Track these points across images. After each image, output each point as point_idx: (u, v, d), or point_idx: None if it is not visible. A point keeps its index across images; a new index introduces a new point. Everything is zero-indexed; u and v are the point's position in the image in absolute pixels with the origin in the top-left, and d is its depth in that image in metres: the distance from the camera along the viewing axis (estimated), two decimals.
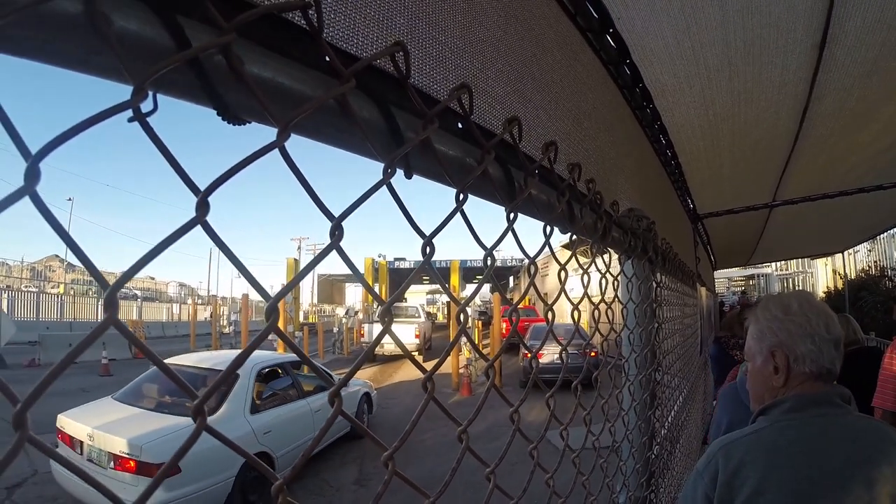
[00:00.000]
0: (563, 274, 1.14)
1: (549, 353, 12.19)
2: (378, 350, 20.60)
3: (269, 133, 0.49)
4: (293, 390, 7.91)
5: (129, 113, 0.40)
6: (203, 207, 0.45)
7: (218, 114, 0.51)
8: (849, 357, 1.50)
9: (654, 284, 1.87)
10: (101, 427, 5.56)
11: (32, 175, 0.36)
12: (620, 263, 1.79)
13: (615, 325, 1.51)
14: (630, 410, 1.74)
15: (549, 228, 0.93)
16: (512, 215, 0.80)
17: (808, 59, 2.15)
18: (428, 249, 0.68)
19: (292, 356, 8.51)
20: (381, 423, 11.17)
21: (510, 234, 0.84)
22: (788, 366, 1.46)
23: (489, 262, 0.81)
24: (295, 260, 31.41)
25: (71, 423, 5.95)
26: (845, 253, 13.72)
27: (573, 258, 1.16)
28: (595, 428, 1.39)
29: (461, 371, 14.82)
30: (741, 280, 30.74)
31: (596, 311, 1.35)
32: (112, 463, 5.22)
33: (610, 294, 1.39)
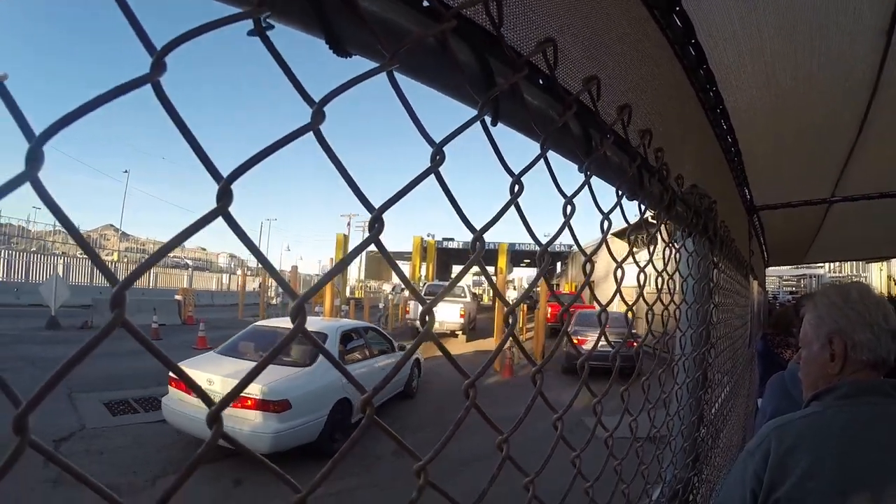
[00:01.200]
0: (618, 272, 1.14)
1: (593, 340, 12.13)
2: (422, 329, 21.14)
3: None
4: (366, 350, 9.87)
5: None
6: (226, 196, 0.44)
7: (328, 44, 0.53)
8: None
9: (712, 264, 1.86)
10: (217, 373, 7.19)
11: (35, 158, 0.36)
12: (681, 239, 1.78)
13: (674, 299, 1.50)
14: (683, 386, 1.74)
15: (619, 192, 0.94)
16: (587, 174, 0.81)
17: (875, 44, 2.08)
18: (477, 245, 0.68)
19: (366, 322, 12.00)
20: (425, 401, 11.36)
21: (567, 228, 0.85)
22: (846, 353, 1.45)
23: (545, 259, 0.82)
24: (345, 236, 31.71)
25: (189, 370, 7.14)
26: None
27: (633, 244, 1.16)
28: (638, 417, 1.40)
29: (504, 352, 14.87)
30: (792, 279, 29.90)
31: (658, 281, 1.35)
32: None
33: (671, 267, 1.40)
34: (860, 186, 4.43)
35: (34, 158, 0.35)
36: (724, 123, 2.65)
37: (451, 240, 39.21)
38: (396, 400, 10.70)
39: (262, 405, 6.77)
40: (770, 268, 11.23)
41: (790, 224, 6.03)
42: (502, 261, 27.68)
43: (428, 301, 0.63)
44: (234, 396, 0.49)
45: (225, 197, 0.43)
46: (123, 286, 0.39)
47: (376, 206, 0.54)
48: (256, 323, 10.12)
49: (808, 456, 1.34)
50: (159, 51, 0.40)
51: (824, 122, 2.96)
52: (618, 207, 0.96)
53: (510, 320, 0.76)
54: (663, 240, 1.38)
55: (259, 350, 8.38)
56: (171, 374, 7.10)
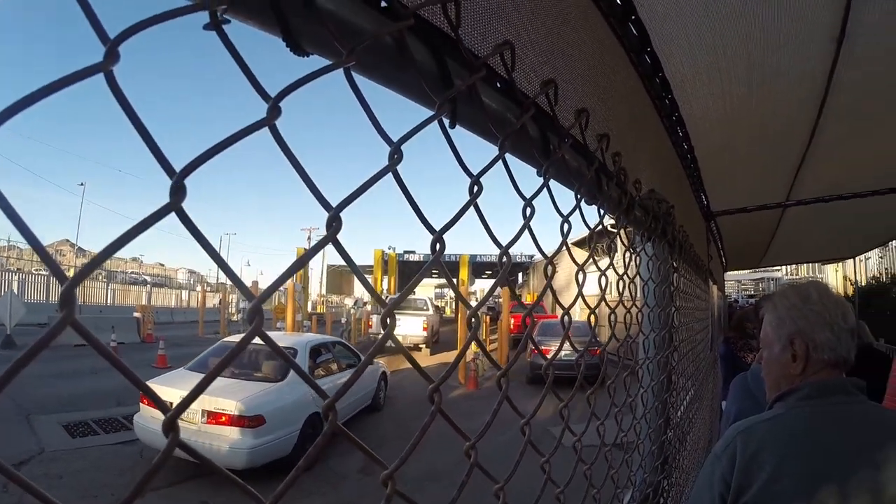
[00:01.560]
0: (580, 275, 1.14)
1: (555, 350, 12.20)
2: (387, 343, 21.10)
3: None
4: (334, 364, 10.01)
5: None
6: (179, 192, 0.42)
7: (285, 42, 0.53)
8: (857, 356, 1.52)
9: (672, 268, 1.88)
10: (188, 389, 6.40)
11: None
12: (640, 244, 1.79)
13: (636, 303, 1.51)
14: (648, 390, 1.76)
15: (578, 195, 0.94)
16: (545, 176, 0.81)
17: (826, 52, 2.14)
18: (438, 246, 0.67)
19: (333, 337, 12.31)
20: (392, 414, 11.33)
21: (526, 232, 0.85)
22: (807, 353, 1.47)
23: (504, 261, 0.81)
24: (305, 250, 31.36)
25: (159, 388, 6.98)
26: (856, 259, 13.64)
27: (593, 252, 1.16)
28: (606, 422, 1.40)
29: (468, 363, 14.86)
30: (750, 283, 30.56)
31: (619, 285, 1.36)
32: (205, 418, 6.86)
33: (632, 271, 1.41)
34: (813, 190, 4.56)
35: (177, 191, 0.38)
36: (680, 130, 2.70)
37: (413, 252, 39.06)
38: (364, 413, 10.76)
39: (238, 421, 6.84)
40: (729, 272, 11.45)
41: (747, 228, 6.17)
42: (464, 272, 27.68)
43: (389, 303, 0.62)
44: (188, 403, 0.48)
45: (178, 192, 0.42)
46: (72, 284, 0.38)
47: (334, 206, 0.53)
48: (225, 339, 10.39)
49: (774, 458, 1.35)
50: (113, 39, 0.39)
51: (778, 128, 3.04)
52: (577, 210, 0.96)
53: (473, 322, 0.75)
54: (623, 244, 1.39)
55: (231, 366, 8.26)
56: (141, 391, 7.48)
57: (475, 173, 0.68)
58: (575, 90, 1.16)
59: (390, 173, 0.58)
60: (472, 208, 0.69)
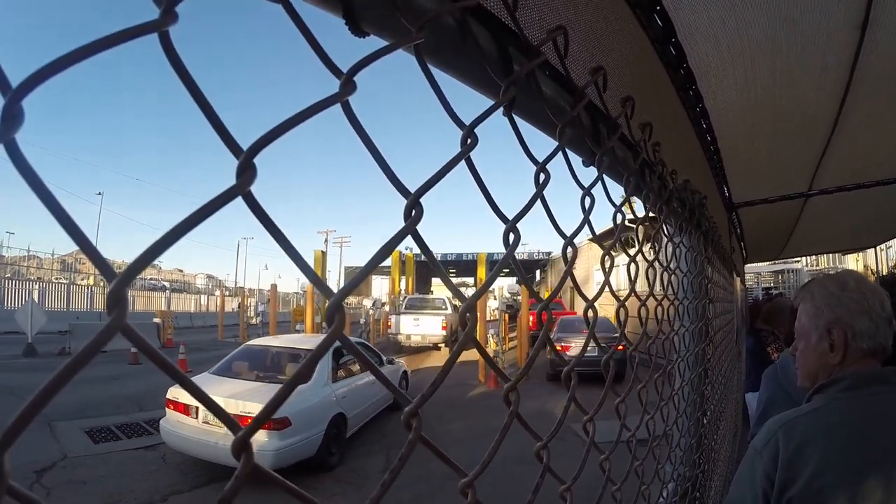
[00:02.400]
0: (606, 264, 1.10)
1: (577, 347, 12.09)
2: (405, 342, 21.75)
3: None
4: (356, 365, 9.71)
5: None
6: (247, 173, 0.38)
7: (345, 20, 0.51)
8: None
9: (707, 260, 1.86)
10: (217, 394, 7.10)
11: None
12: (678, 235, 1.77)
13: (668, 296, 1.49)
14: (688, 383, 1.73)
15: (627, 186, 0.93)
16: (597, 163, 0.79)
17: (849, 40, 2.11)
18: (511, 236, 0.63)
19: (355, 338, 12.47)
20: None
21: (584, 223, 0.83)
22: (846, 342, 1.44)
23: (511, 238, 0.69)
24: (322, 252, 31.48)
25: (184, 393, 6.83)
26: (877, 249, 13.48)
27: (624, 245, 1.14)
28: (629, 421, 1.37)
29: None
30: (769, 275, 30.24)
31: (650, 274, 1.33)
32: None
33: (668, 263, 1.38)
34: (836, 179, 4.51)
35: (10, 117, 0.30)
36: (704, 122, 2.67)
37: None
38: (385, 413, 10.85)
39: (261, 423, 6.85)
40: (748, 265, 11.36)
41: (768, 220, 6.11)
42: (482, 271, 27.68)
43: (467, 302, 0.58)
44: (264, 420, 0.44)
45: (246, 173, 0.38)
46: (124, 280, 0.33)
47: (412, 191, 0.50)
48: (249, 342, 10.36)
49: (818, 452, 1.32)
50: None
51: (801, 117, 3.00)
52: (626, 202, 0.95)
53: (467, 319, 0.63)
54: (666, 235, 1.38)
55: (254, 369, 8.68)
56: (168, 396, 7.53)
57: (540, 160, 0.66)
58: (613, 82, 1.15)
59: (463, 161, 0.55)
60: (539, 199, 0.67)
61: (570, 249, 0.72)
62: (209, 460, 6.95)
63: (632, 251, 1.27)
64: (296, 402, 7.39)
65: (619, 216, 0.89)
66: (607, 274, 1.06)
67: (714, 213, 3.72)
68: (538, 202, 0.66)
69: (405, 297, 26.33)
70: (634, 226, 1.12)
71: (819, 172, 4.23)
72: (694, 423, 1.83)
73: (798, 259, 25.93)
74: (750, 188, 4.53)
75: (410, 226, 0.50)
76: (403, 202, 0.50)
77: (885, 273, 15.60)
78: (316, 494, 6.04)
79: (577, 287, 0.91)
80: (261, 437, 6.82)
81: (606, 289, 0.98)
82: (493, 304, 23.04)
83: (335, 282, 50.63)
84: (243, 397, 7.22)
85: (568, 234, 0.74)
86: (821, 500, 1.29)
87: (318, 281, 0.48)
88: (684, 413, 1.72)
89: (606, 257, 1.01)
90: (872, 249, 13.43)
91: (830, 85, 2.56)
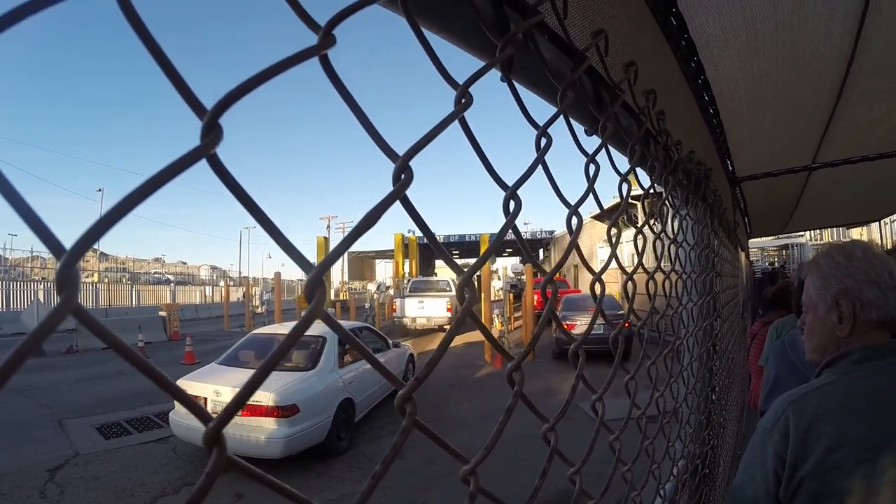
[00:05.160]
0: (613, 238, 1.06)
1: (582, 325, 12.10)
2: (410, 325, 21.88)
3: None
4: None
5: None
6: (212, 133, 0.34)
7: None
8: None
9: (713, 232, 1.83)
10: (224, 384, 7.43)
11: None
12: (684, 207, 1.74)
13: (675, 269, 1.46)
14: (697, 358, 1.71)
15: (634, 150, 0.90)
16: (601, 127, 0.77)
17: (855, 8, 2.07)
18: (512, 204, 0.60)
19: (360, 323, 13.11)
20: (420, 396, 11.40)
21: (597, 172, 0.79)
22: (855, 314, 1.41)
23: (511, 206, 0.65)
24: (325, 238, 31.49)
25: (193, 384, 7.70)
26: (881, 222, 13.41)
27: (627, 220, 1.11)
28: (638, 398, 1.34)
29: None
30: (774, 250, 30.15)
31: (658, 246, 1.30)
32: (240, 411, 6.42)
33: (678, 236, 1.36)
34: (840, 152, 4.46)
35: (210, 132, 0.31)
36: (706, 94, 2.63)
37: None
38: (393, 396, 10.83)
39: (273, 411, 7.02)
40: (752, 239, 11.32)
41: (772, 194, 6.07)
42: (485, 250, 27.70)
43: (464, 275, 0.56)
44: (235, 410, 0.41)
45: (211, 133, 0.34)
46: (71, 257, 0.29)
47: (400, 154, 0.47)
48: (254, 331, 10.45)
49: (830, 428, 1.29)
50: None
51: (804, 88, 2.96)
52: (632, 171, 0.92)
53: (465, 294, 0.61)
54: (671, 206, 1.35)
55: (260, 357, 8.59)
56: (169, 392, 7.78)
57: (541, 125, 0.62)
58: (614, 49, 1.12)
59: (457, 121, 0.52)
60: (540, 165, 0.63)
61: (574, 219, 0.68)
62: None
63: (638, 224, 1.24)
64: (304, 388, 7.49)
65: (624, 186, 0.85)
66: (614, 246, 1.03)
67: (718, 186, 3.69)
68: (539, 168, 0.63)
69: (409, 280, 26.39)
70: (639, 199, 1.10)
71: (823, 145, 4.19)
72: (703, 399, 1.81)
73: (802, 234, 25.90)
74: (753, 162, 4.49)
75: (399, 191, 0.46)
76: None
77: (889, 247, 15.52)
78: (327, 480, 6.06)
79: (582, 259, 0.87)
80: (270, 426, 6.99)
81: (610, 265, 0.96)
82: (497, 285, 23.04)
83: (339, 268, 50.77)
84: (236, 384, 7.19)
85: (572, 204, 0.71)
86: (835, 477, 1.26)
87: (293, 251, 0.42)
88: (693, 389, 1.70)
89: (613, 229, 0.99)
90: (877, 223, 13.35)
91: (834, 54, 2.51)
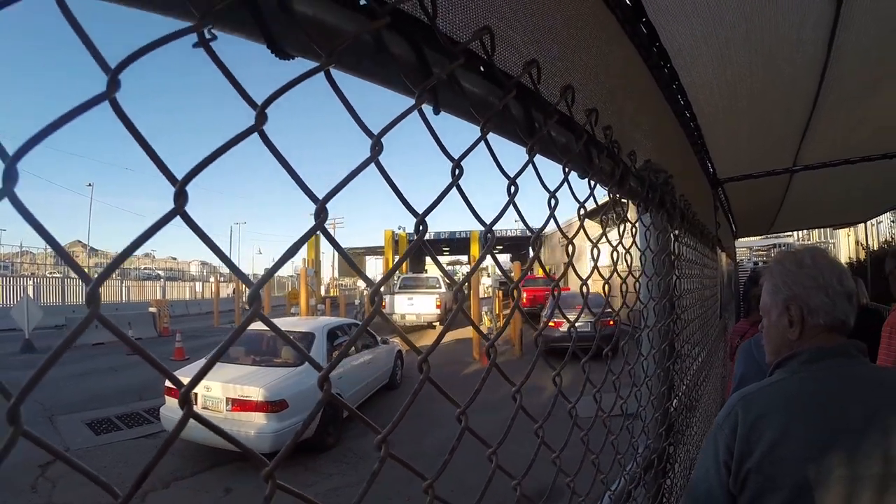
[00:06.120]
0: (594, 250, 1.16)
1: (566, 323, 12.23)
2: (400, 322, 21.73)
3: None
4: (352, 347, 9.83)
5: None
6: (181, 198, 0.46)
7: (269, 48, 0.56)
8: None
9: (673, 237, 1.90)
10: (215, 379, 7.34)
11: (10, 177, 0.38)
12: (638, 214, 1.81)
13: (633, 271, 1.54)
14: (649, 357, 1.79)
15: (566, 168, 0.97)
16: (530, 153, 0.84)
17: (825, 15, 2.13)
18: (421, 228, 0.71)
19: (349, 319, 12.44)
20: (406, 393, 11.43)
21: (511, 207, 0.87)
22: (803, 318, 1.49)
23: (489, 237, 0.84)
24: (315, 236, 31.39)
25: (184, 378, 7.15)
26: (868, 223, 13.52)
27: (604, 225, 1.19)
28: (608, 399, 1.43)
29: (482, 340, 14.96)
30: (762, 250, 30.22)
31: (614, 255, 1.38)
32: (230, 406, 7.20)
33: (628, 242, 1.43)
34: (820, 155, 4.52)
35: (10, 178, 0.38)
36: (682, 99, 2.69)
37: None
38: (382, 391, 11.17)
39: (262, 406, 7.13)
40: (740, 239, 11.40)
41: (755, 195, 6.13)
42: (475, 248, 27.69)
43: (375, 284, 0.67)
44: (200, 378, 0.54)
45: (181, 198, 0.46)
46: (97, 283, 0.43)
47: (320, 198, 0.57)
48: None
49: (776, 424, 1.36)
50: (113, 69, 0.42)
51: (781, 93, 3.01)
52: (566, 185, 0.98)
53: (458, 296, 0.80)
54: (619, 215, 1.41)
55: (250, 354, 8.73)
56: (167, 383, 7.53)
57: (456, 157, 0.71)
58: (565, 67, 1.18)
59: (373, 164, 0.61)
60: (455, 190, 0.72)
61: (538, 243, 0.76)
62: (210, 445, 6.99)
63: (610, 234, 1.32)
64: (292, 384, 7.55)
65: (552, 201, 0.92)
66: (570, 257, 1.12)
67: (696, 189, 3.76)
68: (454, 191, 0.71)
69: (399, 277, 26.44)
70: (597, 212, 1.18)
71: (802, 148, 4.25)
72: (658, 397, 1.88)
73: (790, 233, 26.01)
74: (734, 164, 4.54)
75: (319, 225, 0.57)
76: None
77: (875, 247, 15.63)
78: (314, 475, 6.10)
79: (573, 268, 0.98)
80: (259, 420, 7.11)
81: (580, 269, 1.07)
82: (486, 282, 23.00)
83: (330, 264, 50.67)
84: (241, 381, 7.34)
85: (535, 230, 0.80)
86: (779, 470, 1.33)
87: (234, 268, 0.54)
88: (644, 385, 1.77)
89: (570, 246, 1.09)
90: (863, 224, 13.46)
91: (808, 61, 2.57)
